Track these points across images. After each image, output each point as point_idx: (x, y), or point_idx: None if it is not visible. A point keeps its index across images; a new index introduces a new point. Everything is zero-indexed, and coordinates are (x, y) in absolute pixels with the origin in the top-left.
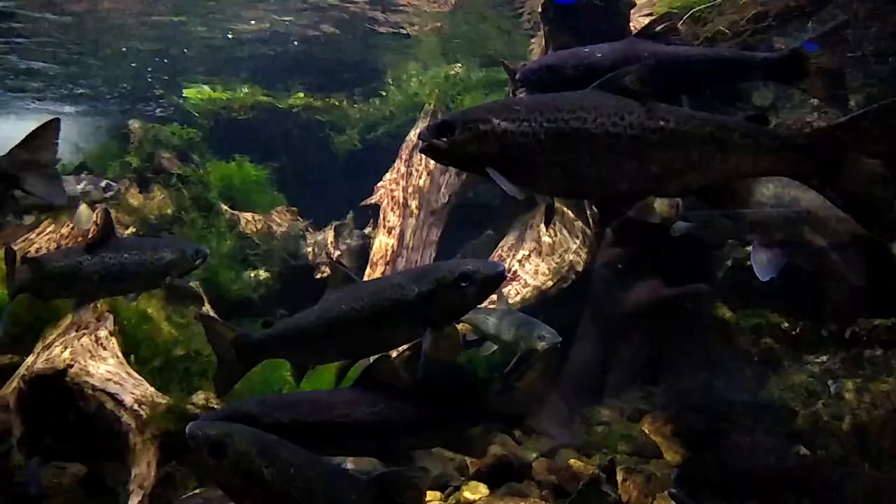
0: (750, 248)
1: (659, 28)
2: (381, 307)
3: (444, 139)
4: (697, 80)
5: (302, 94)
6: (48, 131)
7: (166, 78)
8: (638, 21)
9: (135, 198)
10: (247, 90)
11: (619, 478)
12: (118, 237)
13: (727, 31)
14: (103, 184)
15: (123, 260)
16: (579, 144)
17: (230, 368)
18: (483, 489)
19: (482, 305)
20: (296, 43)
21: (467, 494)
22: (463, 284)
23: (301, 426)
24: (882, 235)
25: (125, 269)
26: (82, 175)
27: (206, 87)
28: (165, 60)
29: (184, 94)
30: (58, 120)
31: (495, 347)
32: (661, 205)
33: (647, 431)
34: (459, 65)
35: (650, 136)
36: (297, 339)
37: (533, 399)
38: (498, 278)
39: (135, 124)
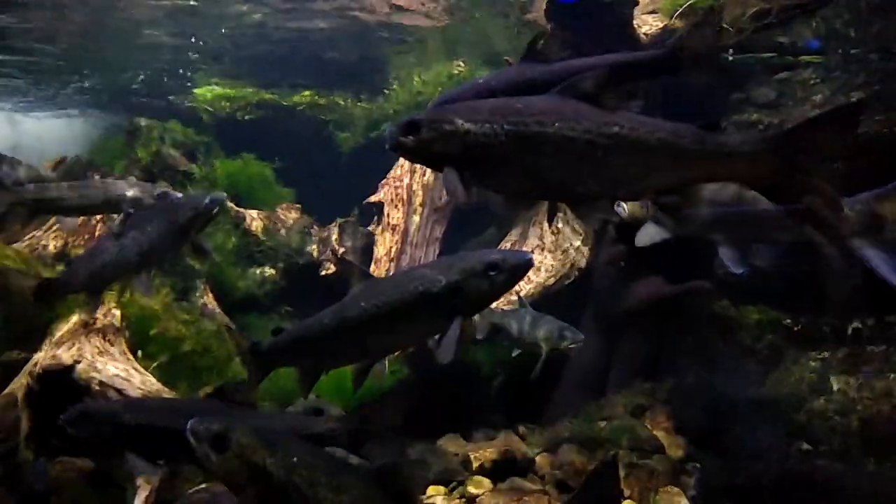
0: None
1: (539, 46)
2: (405, 301)
3: (411, 137)
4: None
5: (308, 93)
6: None
7: (183, 72)
8: (641, 19)
9: None
10: (251, 89)
11: (622, 473)
12: (135, 215)
13: (729, 27)
14: (157, 191)
15: (153, 232)
16: (537, 147)
17: (252, 373)
18: (487, 484)
19: (498, 305)
20: (322, 27)
21: (471, 489)
22: (491, 273)
23: (144, 429)
24: (830, 238)
25: (153, 242)
26: (134, 180)
27: (217, 87)
28: (193, 53)
29: (195, 91)
30: None
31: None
32: (632, 206)
33: (649, 427)
34: (462, 63)
35: (604, 141)
36: (312, 343)
37: None
38: (526, 266)
39: (142, 121)
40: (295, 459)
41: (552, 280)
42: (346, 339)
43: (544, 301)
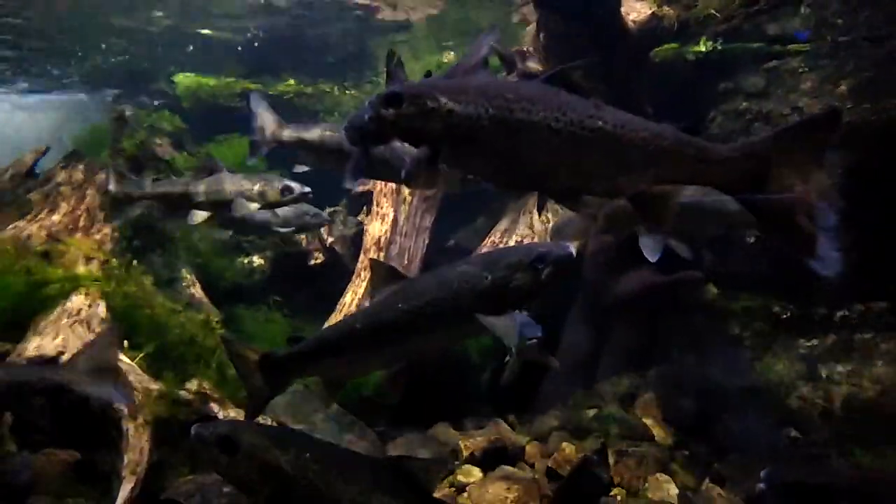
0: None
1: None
2: (450, 299)
3: (392, 110)
4: None
5: (293, 82)
6: None
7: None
8: (629, 6)
9: None
10: (232, 78)
11: (611, 461)
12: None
13: (717, 13)
14: (280, 185)
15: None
16: (519, 134)
17: (258, 393)
18: (477, 472)
19: None
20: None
21: (461, 478)
22: (539, 266)
23: None
24: (802, 251)
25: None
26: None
27: (195, 76)
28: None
29: (174, 79)
30: None
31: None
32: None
33: (638, 415)
34: (452, 53)
35: (587, 135)
36: (343, 349)
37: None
38: (570, 258)
39: (126, 110)
40: (308, 455)
41: None
42: (384, 343)
43: None
